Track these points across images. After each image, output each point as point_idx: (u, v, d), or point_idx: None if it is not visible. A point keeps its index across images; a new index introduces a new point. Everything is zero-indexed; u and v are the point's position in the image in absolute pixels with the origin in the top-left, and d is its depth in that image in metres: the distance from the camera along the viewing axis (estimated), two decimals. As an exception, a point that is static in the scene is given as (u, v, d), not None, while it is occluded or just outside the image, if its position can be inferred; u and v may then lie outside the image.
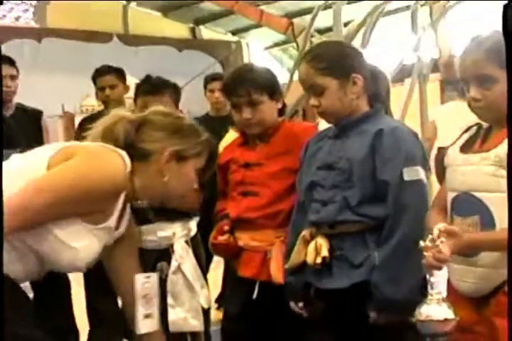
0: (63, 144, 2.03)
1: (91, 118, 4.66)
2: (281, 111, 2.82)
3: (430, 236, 1.79)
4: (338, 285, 2.33)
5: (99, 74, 4.58)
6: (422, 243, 1.80)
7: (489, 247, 1.83)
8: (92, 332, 4.24)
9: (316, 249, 2.34)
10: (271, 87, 2.75)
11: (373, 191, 2.30)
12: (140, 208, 2.99)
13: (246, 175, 2.76)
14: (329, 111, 2.40)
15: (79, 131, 4.54)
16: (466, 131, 2.10)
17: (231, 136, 4.73)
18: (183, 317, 2.96)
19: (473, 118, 2.06)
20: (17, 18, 12.29)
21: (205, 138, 2.15)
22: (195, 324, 2.98)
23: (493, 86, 1.90)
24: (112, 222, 2.07)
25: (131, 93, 5.50)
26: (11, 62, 4.18)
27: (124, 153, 2.01)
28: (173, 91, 3.18)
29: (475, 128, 2.08)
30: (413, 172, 2.26)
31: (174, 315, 2.96)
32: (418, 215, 2.18)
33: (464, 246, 1.81)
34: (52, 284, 3.97)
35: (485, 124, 2.04)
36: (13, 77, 4.17)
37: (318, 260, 2.33)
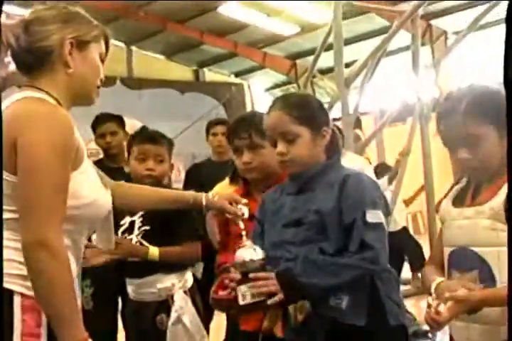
0: (14, 98, 1.85)
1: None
2: None
3: (433, 295, 1.76)
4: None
5: (100, 121, 4.58)
6: (429, 299, 1.81)
7: (499, 303, 1.78)
8: None
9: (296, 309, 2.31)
10: None
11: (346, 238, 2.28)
12: (136, 261, 2.98)
13: (249, 227, 2.70)
14: (296, 161, 2.37)
15: None
16: (456, 183, 2.08)
17: (223, 185, 4.69)
18: None
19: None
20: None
21: (96, 22, 2.02)
22: None
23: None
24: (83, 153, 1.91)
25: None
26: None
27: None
28: (169, 143, 3.18)
29: (465, 180, 2.05)
30: (375, 215, 2.23)
31: None
32: (378, 256, 2.20)
33: (474, 306, 1.77)
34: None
35: (474, 177, 2.02)
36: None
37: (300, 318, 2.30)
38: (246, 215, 2.44)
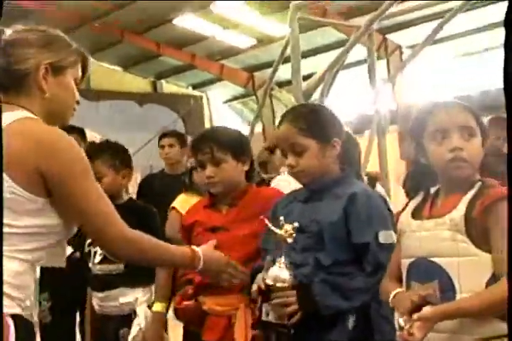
0: (8, 119, 1.85)
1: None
2: (248, 175, 2.80)
3: (404, 317, 1.81)
4: None
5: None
6: (401, 321, 1.85)
7: (464, 315, 1.83)
8: None
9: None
10: (236, 148, 2.73)
11: (346, 253, 2.32)
12: (100, 275, 2.98)
13: (211, 238, 2.71)
14: (305, 172, 2.41)
15: None
16: (413, 197, 2.11)
17: (182, 198, 4.69)
18: None
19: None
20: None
21: (75, 46, 2.05)
22: None
23: None
24: None
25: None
26: None
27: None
28: (113, 155, 3.14)
29: (421, 194, 2.09)
30: (388, 236, 2.28)
31: None
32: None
33: (442, 320, 1.81)
34: None
35: (432, 189, 2.06)
36: None
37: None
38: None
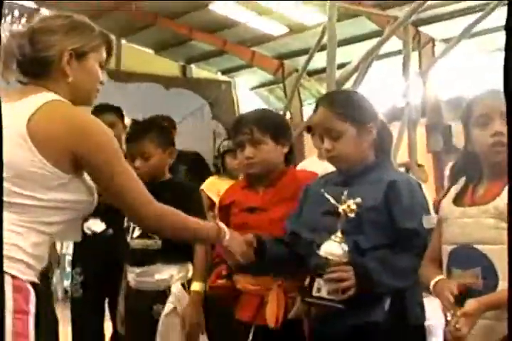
0: (39, 100, 1.96)
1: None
2: (287, 158, 2.84)
3: (451, 311, 1.85)
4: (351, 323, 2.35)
5: (98, 112, 4.51)
6: (448, 315, 1.88)
7: (503, 306, 1.85)
8: None
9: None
10: (276, 130, 2.77)
11: (386, 237, 2.34)
12: (137, 250, 3.03)
13: (249, 219, 2.77)
14: (341, 157, 2.45)
15: None
16: (453, 184, 2.14)
17: (211, 181, 4.73)
18: None
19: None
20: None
21: (98, 30, 2.12)
22: None
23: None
24: None
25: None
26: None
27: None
28: (158, 132, 3.14)
29: (462, 180, 2.12)
30: (430, 220, 2.31)
31: None
32: None
33: (480, 314, 1.85)
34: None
35: (472, 175, 2.08)
36: None
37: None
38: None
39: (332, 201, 2.33)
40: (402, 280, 2.29)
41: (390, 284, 2.28)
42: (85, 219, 4.21)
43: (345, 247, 2.27)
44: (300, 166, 4.73)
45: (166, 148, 3.13)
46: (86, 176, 1.99)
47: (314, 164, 4.25)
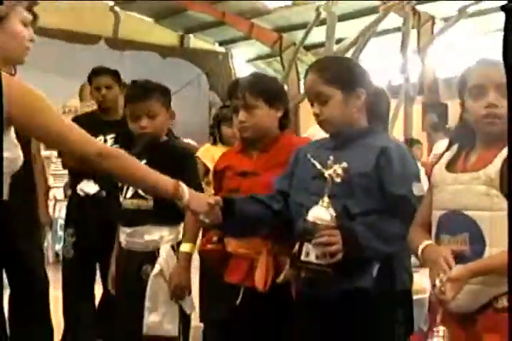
0: None
1: (84, 117, 4.66)
2: (282, 123, 2.86)
3: (440, 276, 1.88)
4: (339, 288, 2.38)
5: (96, 73, 4.51)
6: (437, 280, 1.90)
7: (492, 272, 1.89)
8: (66, 333, 4.25)
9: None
10: (269, 94, 2.78)
11: (375, 203, 2.36)
12: (129, 210, 3.05)
13: (241, 183, 2.79)
14: (329, 121, 2.47)
15: None
16: (447, 149, 2.16)
17: (206, 148, 4.75)
18: (158, 321, 2.98)
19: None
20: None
21: None
22: (170, 328, 2.99)
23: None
24: None
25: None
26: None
27: None
28: (161, 94, 3.13)
29: (455, 147, 2.14)
30: (420, 188, 2.35)
31: (150, 318, 2.98)
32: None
33: (466, 280, 1.88)
34: (31, 283, 4.00)
35: (465, 143, 2.11)
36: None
37: None
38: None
39: (318, 166, 2.36)
40: (389, 245, 2.31)
41: (378, 249, 2.31)
42: (79, 181, 4.24)
43: (333, 212, 2.29)
44: (308, 133, 4.76)
45: (168, 109, 3.13)
46: (12, 133, 2.03)
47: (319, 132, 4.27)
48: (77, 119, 4.55)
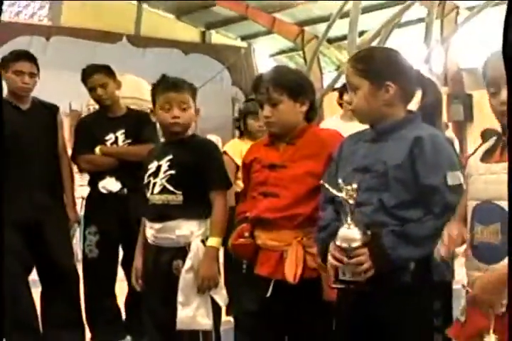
0: None
1: (90, 117, 4.66)
2: (308, 116, 2.85)
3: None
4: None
5: (87, 74, 4.36)
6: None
7: None
8: (94, 328, 4.28)
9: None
10: (293, 88, 2.78)
11: (411, 195, 2.34)
12: (157, 205, 3.06)
13: (269, 175, 2.80)
14: (357, 111, 2.50)
15: (79, 130, 4.46)
16: (485, 141, 2.15)
17: (234, 142, 4.76)
18: (191, 315, 2.98)
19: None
20: (32, 15, 12.29)
21: None
22: (204, 322, 3.00)
23: None
24: None
25: (126, 93, 5.27)
26: (33, 59, 4.07)
27: None
28: (192, 89, 3.17)
29: (494, 138, 2.12)
30: (455, 177, 2.31)
31: (183, 313, 2.99)
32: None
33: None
34: (62, 279, 4.03)
35: (501, 137, 2.09)
36: (33, 75, 4.06)
37: None
38: None
39: (332, 191, 2.36)
40: (421, 249, 2.30)
41: (409, 256, 2.31)
42: (101, 178, 4.24)
43: (357, 231, 2.30)
44: (321, 126, 4.75)
45: (194, 104, 3.15)
46: None
47: (335, 125, 4.26)
48: (83, 121, 4.58)
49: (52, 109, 4.24)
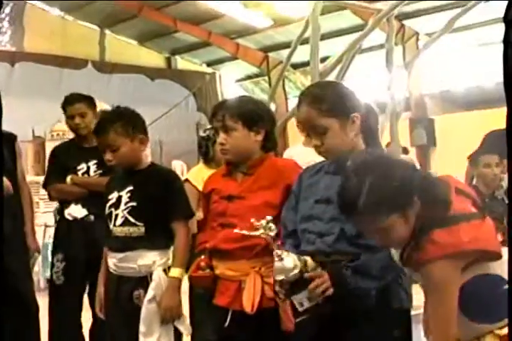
0: None
1: (64, 146, 4.64)
2: (265, 145, 2.86)
3: None
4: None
5: (69, 102, 4.39)
6: None
7: None
8: None
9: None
10: (248, 117, 2.79)
11: None
12: (120, 237, 3.04)
13: (227, 207, 2.80)
14: (331, 150, 2.46)
15: (52, 158, 4.48)
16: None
17: (195, 170, 4.75)
18: None
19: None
20: (-7, 41, 12.20)
21: None
22: None
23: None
24: None
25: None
26: None
27: None
28: (122, 124, 3.09)
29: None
30: None
31: None
32: None
33: None
34: (21, 308, 3.98)
35: None
36: None
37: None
38: None
39: (248, 234, 2.41)
40: (379, 280, 2.31)
41: (368, 287, 2.32)
42: (67, 205, 4.23)
43: (290, 258, 2.29)
44: (286, 154, 4.77)
45: (134, 137, 3.10)
46: None
47: (300, 152, 4.27)
48: (57, 149, 4.56)
49: (10, 138, 4.19)
